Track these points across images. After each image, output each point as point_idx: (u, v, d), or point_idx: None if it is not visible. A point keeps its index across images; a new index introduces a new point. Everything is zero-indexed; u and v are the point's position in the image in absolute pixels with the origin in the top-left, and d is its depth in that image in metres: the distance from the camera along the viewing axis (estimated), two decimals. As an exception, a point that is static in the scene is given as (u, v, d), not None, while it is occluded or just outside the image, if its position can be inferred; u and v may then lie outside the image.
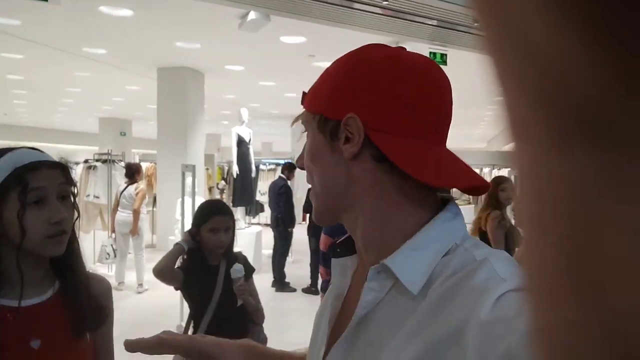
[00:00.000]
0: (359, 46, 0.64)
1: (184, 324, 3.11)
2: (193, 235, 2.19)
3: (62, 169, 1.02)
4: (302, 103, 0.67)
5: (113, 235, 6.14)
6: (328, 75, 0.64)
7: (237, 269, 2.09)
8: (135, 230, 5.91)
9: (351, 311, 0.62)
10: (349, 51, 0.64)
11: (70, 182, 1.03)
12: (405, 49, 0.65)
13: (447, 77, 0.63)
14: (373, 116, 0.59)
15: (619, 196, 0.12)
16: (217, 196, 9.80)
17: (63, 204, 1.00)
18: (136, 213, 5.88)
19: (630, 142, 0.12)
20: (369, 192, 0.60)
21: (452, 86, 0.63)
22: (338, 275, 0.69)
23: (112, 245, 6.12)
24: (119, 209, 5.94)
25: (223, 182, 9.81)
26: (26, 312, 0.98)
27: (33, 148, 1.04)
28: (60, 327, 1.01)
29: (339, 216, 0.64)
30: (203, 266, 2.17)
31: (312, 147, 0.64)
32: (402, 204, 0.60)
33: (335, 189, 0.62)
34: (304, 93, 0.68)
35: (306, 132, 0.67)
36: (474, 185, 0.60)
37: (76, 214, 1.05)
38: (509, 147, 0.15)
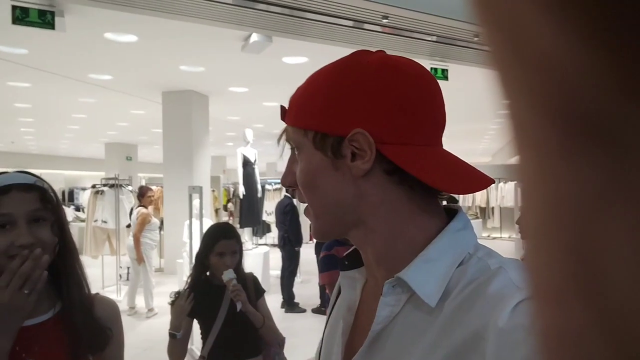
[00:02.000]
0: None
1: (194, 348, 3.07)
2: (202, 259, 2.20)
3: (37, 190, 1.00)
4: (282, 118, 0.63)
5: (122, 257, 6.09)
6: (317, 88, 0.59)
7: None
8: (140, 258, 5.73)
9: (364, 325, 0.61)
10: (333, 61, 0.60)
11: (48, 205, 1.01)
12: (384, 52, 0.61)
13: (434, 78, 0.61)
14: (381, 129, 0.56)
15: (625, 202, 0.12)
16: (224, 218, 9.79)
17: (35, 227, 0.98)
18: (135, 239, 5.70)
19: (635, 148, 0.12)
20: (380, 207, 0.58)
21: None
22: (347, 289, 0.68)
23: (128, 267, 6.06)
24: (130, 233, 5.85)
25: (231, 205, 9.80)
26: (23, 332, 0.97)
27: (20, 170, 1.04)
28: (58, 348, 1.00)
29: (345, 232, 0.62)
30: (210, 287, 2.19)
31: (309, 166, 0.59)
32: (412, 216, 0.58)
33: (343, 208, 0.59)
34: (282, 107, 0.64)
35: (291, 148, 0.63)
36: (483, 183, 0.59)
37: (61, 238, 1.03)
38: (514, 160, 0.15)
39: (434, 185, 0.56)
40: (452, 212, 0.62)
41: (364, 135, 0.56)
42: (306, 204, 0.63)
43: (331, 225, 0.61)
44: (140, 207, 5.90)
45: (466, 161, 0.61)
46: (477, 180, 0.59)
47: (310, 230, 0.65)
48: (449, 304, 0.53)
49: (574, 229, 0.13)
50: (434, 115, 0.59)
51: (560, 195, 0.13)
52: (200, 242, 2.29)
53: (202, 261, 2.20)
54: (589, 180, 0.12)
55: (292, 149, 0.63)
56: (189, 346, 4.10)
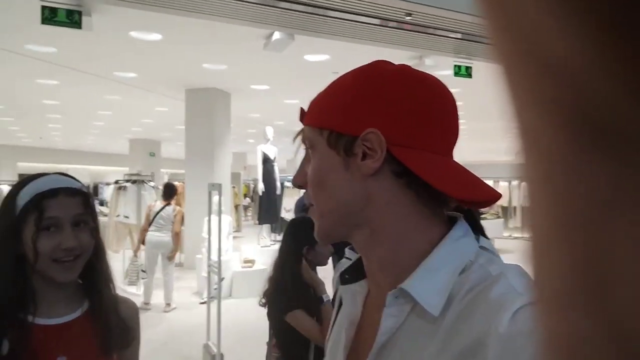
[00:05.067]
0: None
1: (210, 343, 3.10)
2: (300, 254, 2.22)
3: (82, 195, 1.04)
4: (300, 119, 0.65)
5: (142, 253, 6.17)
6: (337, 90, 0.62)
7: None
8: (175, 255, 5.90)
9: (367, 338, 0.61)
10: (354, 68, 0.62)
11: (90, 210, 1.04)
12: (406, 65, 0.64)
13: (451, 93, 0.62)
14: (393, 131, 0.57)
15: (634, 207, 0.12)
16: (242, 214, 9.86)
17: (79, 231, 1.01)
18: (178, 236, 5.88)
19: None
20: (386, 209, 0.59)
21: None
22: (349, 302, 0.68)
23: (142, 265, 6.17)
24: (153, 228, 5.87)
25: (248, 200, 9.91)
26: (54, 329, 1.00)
27: (62, 173, 1.07)
28: (86, 344, 1.03)
29: (349, 234, 0.62)
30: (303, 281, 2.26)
31: (321, 165, 0.61)
32: (417, 220, 0.59)
33: (349, 208, 0.60)
34: (302, 109, 0.66)
35: (306, 149, 0.65)
36: (491, 198, 0.59)
37: (95, 240, 1.06)
38: (518, 161, 0.15)
39: (440, 188, 0.56)
40: (453, 220, 0.62)
41: (376, 134, 0.57)
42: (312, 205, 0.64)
43: (335, 225, 0.62)
44: (173, 205, 6.00)
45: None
46: (485, 193, 0.59)
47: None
48: (451, 312, 0.53)
49: (582, 234, 0.13)
50: (447, 126, 0.61)
51: (567, 199, 0.13)
52: (292, 239, 2.27)
53: (298, 257, 2.20)
54: (598, 185, 0.12)
55: (307, 149, 0.65)
56: (205, 341, 4.11)
